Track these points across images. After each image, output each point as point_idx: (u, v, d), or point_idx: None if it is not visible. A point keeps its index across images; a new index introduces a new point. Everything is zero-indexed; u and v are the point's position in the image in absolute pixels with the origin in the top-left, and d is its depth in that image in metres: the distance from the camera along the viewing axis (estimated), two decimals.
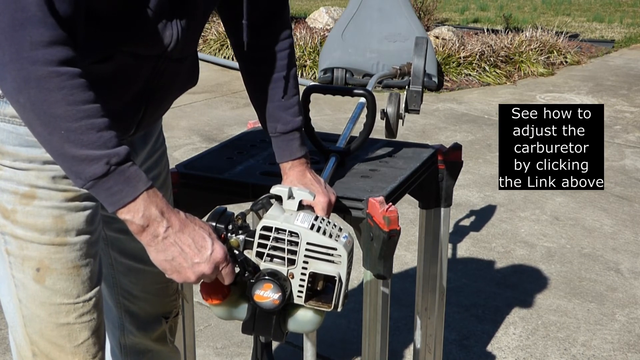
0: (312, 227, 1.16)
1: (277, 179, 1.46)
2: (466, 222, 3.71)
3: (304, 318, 1.21)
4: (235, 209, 1.26)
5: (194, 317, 1.83)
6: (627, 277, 3.15)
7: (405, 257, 3.26)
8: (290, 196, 1.21)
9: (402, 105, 1.79)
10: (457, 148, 1.82)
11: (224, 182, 1.60)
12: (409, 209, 3.59)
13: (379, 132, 1.89)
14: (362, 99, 1.72)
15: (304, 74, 6.69)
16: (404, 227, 3.42)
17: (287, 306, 1.18)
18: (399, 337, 2.64)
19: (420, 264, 1.94)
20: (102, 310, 1.30)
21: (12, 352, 1.31)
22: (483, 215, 3.78)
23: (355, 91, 1.65)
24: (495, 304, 2.91)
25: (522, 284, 3.09)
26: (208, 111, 5.67)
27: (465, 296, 2.97)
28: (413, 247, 3.28)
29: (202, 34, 8.67)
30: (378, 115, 1.67)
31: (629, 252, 3.40)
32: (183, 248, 1.09)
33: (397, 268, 3.14)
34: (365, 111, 1.68)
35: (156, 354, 1.59)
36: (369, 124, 1.64)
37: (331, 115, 5.51)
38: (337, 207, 1.47)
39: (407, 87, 1.80)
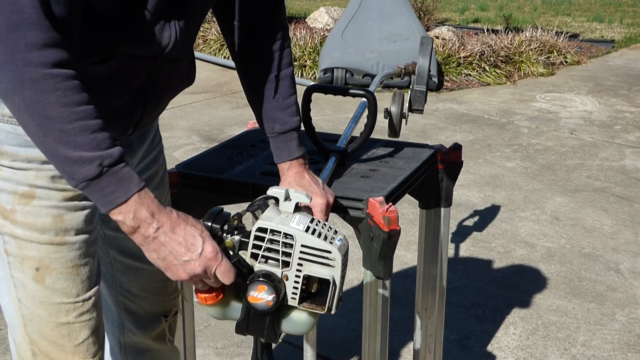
0: (307, 230, 1.15)
1: (277, 179, 1.45)
2: (466, 222, 3.71)
3: (298, 319, 1.20)
4: (235, 209, 1.26)
5: (194, 317, 1.83)
6: (627, 277, 3.15)
7: (405, 257, 3.26)
8: (287, 198, 1.21)
9: (406, 105, 1.78)
10: (457, 148, 1.82)
11: (224, 182, 1.60)
12: (409, 209, 3.59)
13: (379, 132, 1.89)
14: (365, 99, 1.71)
15: (304, 74, 6.69)
16: (404, 227, 3.42)
17: (281, 307, 1.18)
18: (399, 337, 2.63)
19: (420, 264, 1.94)
20: (101, 309, 1.31)
21: (12, 352, 1.31)
22: (483, 215, 3.78)
23: (356, 91, 1.64)
24: (495, 304, 2.91)
25: (522, 284, 3.09)
26: (208, 111, 5.66)
27: (465, 296, 2.97)
28: (413, 247, 3.28)
29: (203, 34, 8.60)
30: (380, 115, 1.66)
31: (629, 252, 3.40)
32: (173, 247, 1.09)
33: (397, 268, 3.14)
34: (367, 111, 1.67)
35: (156, 353, 1.59)
36: (370, 125, 1.64)
37: (331, 115, 5.51)
38: (337, 207, 1.47)
39: (411, 86, 1.79)
